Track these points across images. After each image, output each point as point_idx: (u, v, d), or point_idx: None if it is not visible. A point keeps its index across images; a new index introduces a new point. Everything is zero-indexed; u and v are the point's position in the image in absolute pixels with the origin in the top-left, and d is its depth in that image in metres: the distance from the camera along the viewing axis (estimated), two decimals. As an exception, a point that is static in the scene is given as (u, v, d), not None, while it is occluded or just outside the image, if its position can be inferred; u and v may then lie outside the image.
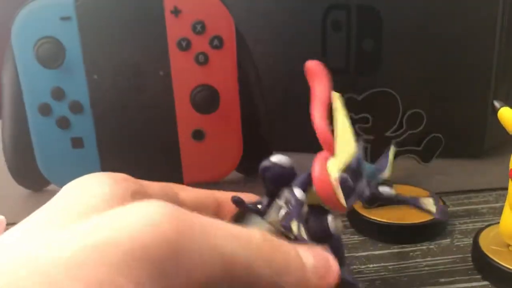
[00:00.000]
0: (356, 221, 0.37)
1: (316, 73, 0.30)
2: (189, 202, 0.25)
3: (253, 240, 0.18)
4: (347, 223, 0.37)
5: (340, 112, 0.24)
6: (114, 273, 0.14)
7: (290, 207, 0.23)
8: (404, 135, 0.36)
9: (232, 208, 0.25)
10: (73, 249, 0.15)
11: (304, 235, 0.22)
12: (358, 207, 0.36)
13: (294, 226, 0.22)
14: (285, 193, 0.24)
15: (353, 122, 0.36)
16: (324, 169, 0.24)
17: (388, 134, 0.36)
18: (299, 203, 0.23)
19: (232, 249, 0.17)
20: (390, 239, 0.35)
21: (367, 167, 0.25)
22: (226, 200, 0.26)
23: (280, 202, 0.24)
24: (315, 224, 0.24)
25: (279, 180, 0.25)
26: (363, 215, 0.36)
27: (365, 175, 0.24)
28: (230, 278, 0.17)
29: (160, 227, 0.16)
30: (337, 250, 0.25)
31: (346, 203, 0.23)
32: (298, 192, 0.23)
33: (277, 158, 0.25)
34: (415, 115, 0.36)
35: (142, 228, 0.15)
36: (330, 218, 0.24)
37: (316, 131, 0.24)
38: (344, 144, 0.24)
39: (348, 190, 0.23)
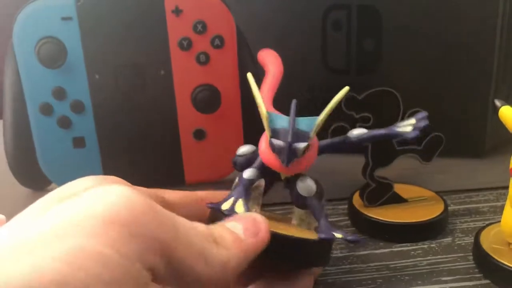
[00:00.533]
0: (357, 220, 0.37)
1: (268, 56, 0.34)
2: (172, 201, 0.28)
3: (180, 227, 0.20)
4: (348, 222, 0.37)
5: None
6: (91, 237, 0.17)
7: (235, 188, 0.26)
8: None
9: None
10: (53, 223, 0.17)
11: (241, 208, 0.25)
12: (360, 206, 0.37)
13: (227, 204, 0.25)
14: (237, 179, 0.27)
15: (354, 121, 0.36)
16: (264, 144, 0.26)
17: None
18: (243, 182, 0.26)
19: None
20: (391, 238, 0.35)
21: (303, 119, 0.26)
22: (206, 196, 0.29)
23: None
24: (291, 193, 0.27)
25: (243, 167, 0.28)
26: (364, 214, 0.36)
27: (295, 130, 0.25)
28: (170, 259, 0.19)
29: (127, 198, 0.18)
30: (316, 210, 0.27)
31: (284, 162, 0.25)
32: (246, 173, 0.27)
33: (240, 150, 0.29)
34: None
35: (114, 200, 0.18)
36: (298, 183, 0.27)
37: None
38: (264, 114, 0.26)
39: (278, 150, 0.25)
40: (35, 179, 0.41)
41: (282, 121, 0.26)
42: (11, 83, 0.38)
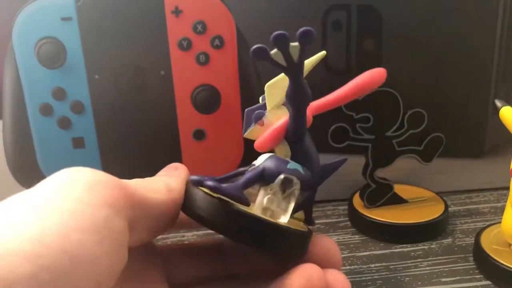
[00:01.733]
0: (357, 221, 0.37)
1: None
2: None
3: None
4: (348, 223, 0.37)
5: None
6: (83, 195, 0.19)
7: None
8: (405, 134, 0.36)
9: None
10: (46, 196, 0.19)
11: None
12: (360, 206, 0.37)
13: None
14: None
15: (354, 121, 0.36)
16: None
17: (389, 133, 0.36)
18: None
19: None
20: (391, 238, 0.35)
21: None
22: None
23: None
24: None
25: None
26: (364, 215, 0.36)
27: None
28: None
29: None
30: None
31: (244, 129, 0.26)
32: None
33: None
34: (416, 115, 0.36)
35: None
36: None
37: None
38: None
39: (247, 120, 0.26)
40: (35, 180, 0.40)
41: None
42: (11, 83, 0.38)
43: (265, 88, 0.26)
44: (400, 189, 0.37)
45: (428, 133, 0.36)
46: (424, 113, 0.36)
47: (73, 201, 0.18)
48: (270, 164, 0.25)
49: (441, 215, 0.35)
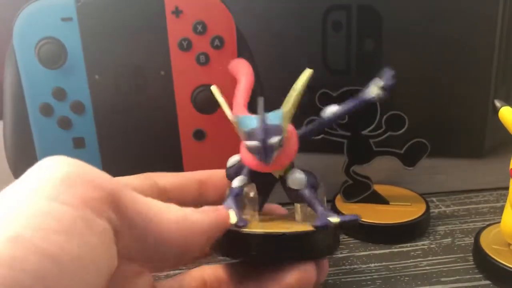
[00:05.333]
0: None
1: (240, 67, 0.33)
2: (169, 187, 0.28)
3: None
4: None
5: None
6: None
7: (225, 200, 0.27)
8: (383, 135, 0.36)
9: (216, 182, 0.30)
10: (22, 195, 0.18)
11: (234, 219, 0.25)
12: (341, 206, 0.37)
13: (232, 214, 0.25)
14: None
15: None
16: (243, 149, 0.27)
17: (365, 132, 0.36)
18: (232, 192, 0.27)
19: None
20: (368, 238, 0.35)
21: (272, 114, 0.26)
22: (208, 178, 0.30)
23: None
24: (285, 190, 0.28)
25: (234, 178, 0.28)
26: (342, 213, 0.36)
27: (265, 126, 0.25)
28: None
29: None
30: (309, 200, 0.27)
31: (263, 160, 0.25)
32: (233, 182, 0.27)
33: (229, 162, 0.29)
34: (395, 117, 0.35)
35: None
36: (287, 177, 0.27)
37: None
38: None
39: (255, 151, 0.25)
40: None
41: (253, 121, 0.25)
42: (11, 83, 0.38)
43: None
44: (385, 190, 0.37)
45: (412, 137, 0.36)
46: (404, 116, 0.35)
47: (50, 200, 0.17)
48: (311, 178, 0.27)
49: (419, 217, 0.35)
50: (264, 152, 0.24)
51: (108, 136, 0.38)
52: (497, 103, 0.30)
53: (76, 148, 0.38)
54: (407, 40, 0.44)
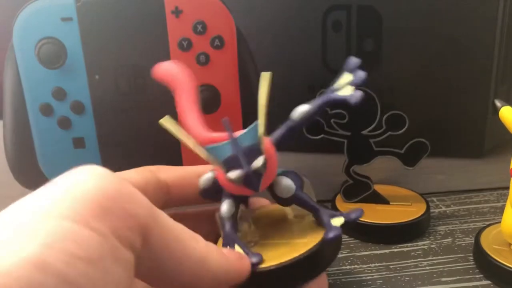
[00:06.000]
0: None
1: (171, 75, 0.29)
2: (170, 181, 0.27)
3: None
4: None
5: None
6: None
7: (222, 226, 0.24)
8: (383, 135, 0.36)
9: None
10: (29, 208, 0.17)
11: (238, 247, 0.23)
12: (340, 205, 0.37)
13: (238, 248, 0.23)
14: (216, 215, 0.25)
15: (329, 117, 0.36)
16: (221, 175, 0.24)
17: (365, 132, 0.36)
18: (225, 222, 0.24)
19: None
20: (368, 238, 0.35)
21: (244, 134, 0.24)
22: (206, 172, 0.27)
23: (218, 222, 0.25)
24: (273, 197, 0.25)
25: (213, 197, 0.26)
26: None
27: (244, 152, 0.23)
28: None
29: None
30: (306, 204, 0.25)
31: (256, 189, 0.23)
32: (223, 211, 0.24)
33: (200, 183, 0.26)
34: (395, 117, 0.35)
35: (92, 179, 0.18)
36: (274, 187, 0.25)
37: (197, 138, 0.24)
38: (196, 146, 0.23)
39: (243, 180, 0.22)
40: (35, 180, 0.40)
41: (225, 148, 0.23)
42: (11, 83, 0.38)
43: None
44: (385, 189, 0.37)
45: (412, 137, 0.36)
46: (404, 116, 0.35)
47: (79, 224, 0.16)
48: (296, 179, 0.25)
49: (419, 217, 0.35)
50: (251, 180, 0.22)
51: (108, 136, 0.38)
52: (498, 103, 0.30)
53: (76, 148, 0.38)
54: (407, 40, 0.44)
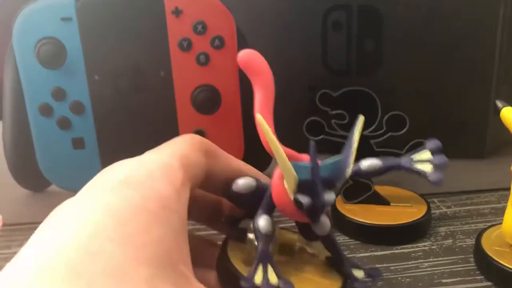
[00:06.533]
0: (336, 220, 0.36)
1: (256, 66, 0.26)
2: (218, 177, 0.26)
3: None
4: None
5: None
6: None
7: (258, 242, 0.23)
8: (384, 136, 0.36)
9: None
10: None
11: (273, 278, 0.22)
12: (340, 205, 0.36)
13: (258, 276, 0.22)
14: (252, 225, 0.23)
15: (329, 117, 0.36)
16: (282, 191, 0.22)
17: (366, 133, 0.36)
18: (263, 239, 0.23)
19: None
20: (368, 239, 0.35)
21: (328, 164, 0.23)
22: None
23: (251, 235, 0.24)
24: (301, 229, 0.25)
25: (241, 204, 0.25)
26: (342, 214, 0.35)
27: (323, 182, 0.22)
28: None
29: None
30: (333, 247, 0.25)
31: (312, 220, 0.22)
32: (261, 226, 0.23)
33: (238, 185, 0.24)
34: (396, 117, 0.35)
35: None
36: (313, 225, 0.23)
37: (262, 142, 0.22)
38: (284, 161, 0.21)
39: (309, 209, 0.22)
40: (35, 180, 0.40)
41: (304, 171, 0.22)
42: (11, 83, 0.38)
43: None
44: (386, 190, 0.37)
45: (412, 137, 0.35)
46: (405, 117, 0.35)
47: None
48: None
49: (420, 218, 0.35)
50: (316, 211, 0.22)
51: (107, 136, 0.38)
52: (499, 103, 0.30)
53: (76, 148, 0.38)
54: (407, 40, 0.44)
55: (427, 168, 0.26)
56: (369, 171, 0.25)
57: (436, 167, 0.26)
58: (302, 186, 0.21)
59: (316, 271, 0.25)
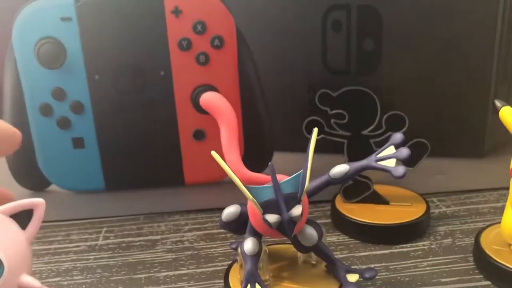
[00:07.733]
0: (337, 220, 0.36)
1: (217, 107, 0.31)
2: None
3: None
4: (330, 221, 0.37)
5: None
6: None
7: (245, 264, 0.24)
8: (383, 135, 0.36)
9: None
10: None
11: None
12: (340, 205, 0.36)
13: None
14: (239, 249, 0.25)
15: (329, 117, 0.36)
16: (256, 214, 0.24)
17: (365, 132, 0.36)
18: (249, 260, 0.24)
19: None
20: (368, 239, 0.35)
21: (288, 180, 0.24)
22: None
23: (239, 259, 0.25)
24: (292, 242, 0.26)
25: (233, 230, 0.27)
26: (342, 214, 0.36)
27: (286, 198, 0.23)
28: None
29: None
30: (324, 256, 0.26)
31: (289, 235, 0.23)
32: (247, 248, 0.25)
33: (225, 214, 0.26)
34: (395, 117, 0.35)
35: None
36: (298, 236, 0.25)
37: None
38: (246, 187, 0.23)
39: (277, 226, 0.23)
40: (35, 180, 0.40)
41: (267, 191, 0.24)
42: (10, 83, 0.38)
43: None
44: (385, 190, 0.37)
45: (412, 137, 0.35)
46: (404, 116, 0.35)
47: None
48: (318, 229, 0.26)
49: (420, 217, 0.35)
50: (286, 226, 0.23)
51: (107, 136, 0.38)
52: (498, 103, 0.30)
53: (76, 148, 0.38)
54: (407, 40, 0.44)
55: (391, 163, 0.27)
56: (339, 177, 0.27)
57: (399, 160, 0.27)
58: (267, 206, 0.23)
59: (313, 282, 0.26)
